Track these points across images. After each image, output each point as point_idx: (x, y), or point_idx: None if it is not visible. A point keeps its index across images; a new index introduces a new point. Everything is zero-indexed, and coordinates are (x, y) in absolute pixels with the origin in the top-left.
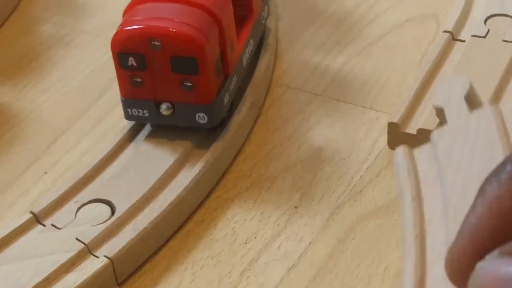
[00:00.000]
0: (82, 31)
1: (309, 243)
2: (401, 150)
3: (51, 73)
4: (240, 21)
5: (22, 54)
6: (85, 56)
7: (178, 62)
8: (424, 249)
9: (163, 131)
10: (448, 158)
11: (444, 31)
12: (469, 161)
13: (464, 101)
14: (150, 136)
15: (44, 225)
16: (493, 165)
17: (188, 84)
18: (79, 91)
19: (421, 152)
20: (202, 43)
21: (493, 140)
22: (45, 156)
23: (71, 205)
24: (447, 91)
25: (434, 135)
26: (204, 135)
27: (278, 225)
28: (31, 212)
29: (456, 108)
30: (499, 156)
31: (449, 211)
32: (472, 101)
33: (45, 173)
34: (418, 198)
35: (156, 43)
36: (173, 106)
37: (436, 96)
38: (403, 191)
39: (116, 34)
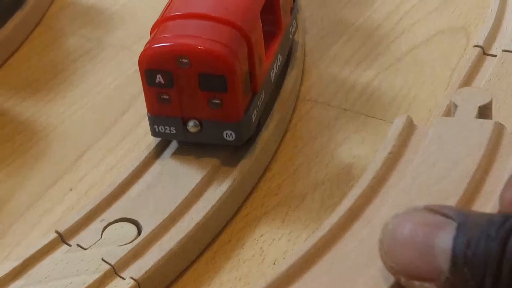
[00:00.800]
0: (108, 44)
1: None
2: (404, 117)
3: (77, 86)
4: (268, 36)
5: (48, 67)
6: (111, 69)
7: (207, 79)
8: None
9: (190, 148)
10: (434, 145)
11: (475, 46)
12: (446, 158)
13: (477, 108)
14: (177, 153)
15: (69, 245)
16: (454, 174)
17: (216, 101)
18: (104, 106)
19: (419, 129)
20: (230, 61)
21: (474, 152)
22: (70, 172)
23: (97, 224)
24: (467, 95)
25: (436, 121)
26: (231, 152)
27: None
28: (57, 232)
29: (466, 110)
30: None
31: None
32: (484, 113)
33: (71, 189)
34: (394, 155)
35: (185, 60)
36: (201, 123)
37: (457, 93)
38: (386, 144)
39: (144, 51)
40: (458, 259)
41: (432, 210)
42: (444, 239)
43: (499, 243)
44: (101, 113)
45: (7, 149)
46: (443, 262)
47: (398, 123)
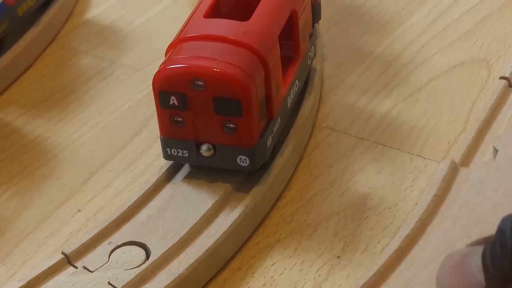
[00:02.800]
0: (122, 65)
1: None
2: (449, 161)
3: (88, 107)
4: (286, 61)
5: (60, 86)
6: (124, 90)
7: (221, 103)
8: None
9: (203, 172)
10: (475, 189)
11: (501, 78)
12: (485, 202)
13: None
14: (189, 177)
15: (76, 267)
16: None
17: (231, 125)
18: (116, 127)
19: (462, 172)
20: (246, 85)
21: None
22: (79, 193)
23: (105, 247)
24: (508, 139)
25: (478, 165)
26: (244, 178)
27: (319, 275)
28: (63, 253)
29: (506, 155)
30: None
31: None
32: None
33: (79, 211)
34: (438, 198)
35: (200, 82)
36: (214, 147)
37: (498, 138)
38: (431, 187)
39: (158, 72)
40: (487, 266)
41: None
42: (477, 258)
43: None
44: (112, 134)
45: (15, 168)
46: (480, 275)
47: (443, 167)
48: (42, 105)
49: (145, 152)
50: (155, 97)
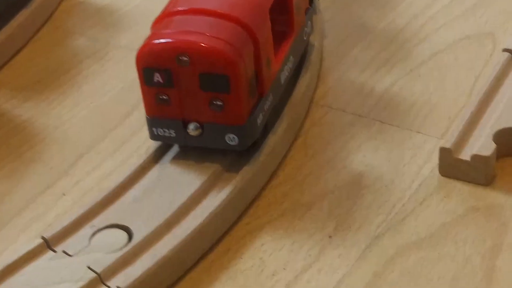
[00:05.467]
0: (116, 46)
1: (342, 276)
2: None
3: (80, 88)
4: (280, 37)
5: (53, 68)
6: (118, 71)
7: (208, 79)
8: None
9: (191, 153)
10: None
11: (504, 50)
12: None
13: None
14: (177, 158)
15: (55, 251)
16: None
17: (218, 103)
18: (107, 109)
19: None
20: (234, 60)
21: None
22: (66, 176)
23: (86, 231)
24: None
25: None
26: (234, 158)
27: (310, 255)
28: (42, 237)
29: None
30: None
31: None
32: None
33: (64, 195)
34: None
35: (184, 58)
36: (202, 126)
37: None
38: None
39: (142, 47)
40: None
41: None
42: None
43: None
44: (103, 116)
45: (2, 152)
46: None
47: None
48: (33, 87)
49: (136, 134)
50: (139, 74)
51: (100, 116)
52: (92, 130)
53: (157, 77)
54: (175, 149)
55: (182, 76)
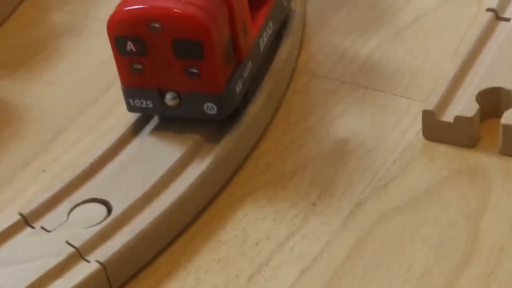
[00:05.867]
0: (95, 20)
1: (326, 244)
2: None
3: (58, 64)
4: (257, 2)
5: (31, 44)
6: (96, 46)
7: (181, 46)
8: None
9: (171, 124)
10: None
11: (487, 10)
12: None
13: None
14: (156, 130)
15: (33, 227)
16: None
17: (194, 71)
18: (86, 84)
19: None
20: (207, 24)
21: None
22: (45, 153)
23: (64, 206)
24: None
25: None
26: (215, 128)
27: (293, 224)
28: (20, 214)
29: None
30: None
31: None
32: None
33: (43, 171)
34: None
35: (156, 25)
36: (179, 96)
37: None
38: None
39: (112, 15)
40: None
41: None
42: None
43: None
44: (82, 91)
45: None
46: None
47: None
48: (11, 65)
49: (115, 108)
50: (111, 43)
51: (78, 92)
52: (70, 106)
53: (130, 46)
54: (154, 121)
55: (155, 44)
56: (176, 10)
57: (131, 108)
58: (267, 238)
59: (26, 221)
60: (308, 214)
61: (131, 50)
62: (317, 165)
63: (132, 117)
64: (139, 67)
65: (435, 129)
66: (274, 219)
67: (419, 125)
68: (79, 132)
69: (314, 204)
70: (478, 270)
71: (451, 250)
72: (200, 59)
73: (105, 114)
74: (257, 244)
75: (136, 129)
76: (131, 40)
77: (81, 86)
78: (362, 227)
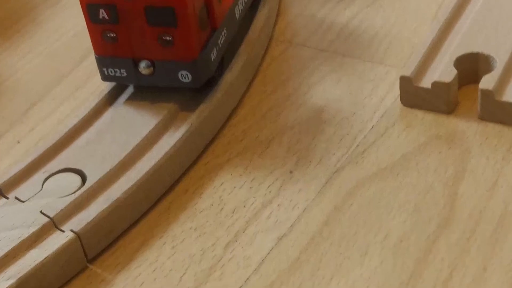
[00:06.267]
0: None
1: (303, 211)
2: None
3: (33, 35)
4: None
5: (6, 15)
6: (72, 16)
7: (154, 13)
8: None
9: (146, 93)
10: None
11: None
12: None
13: None
14: (131, 99)
15: (7, 198)
16: None
17: (167, 38)
18: (61, 54)
19: None
20: None
21: None
22: (20, 124)
23: (39, 176)
24: None
25: None
26: (190, 97)
27: (270, 192)
28: None
29: None
30: None
31: None
32: None
33: (18, 142)
34: None
35: None
36: (153, 64)
37: None
38: None
39: None
40: None
41: None
42: None
43: None
44: (57, 62)
45: None
46: None
47: None
48: None
49: (91, 78)
50: (83, 11)
51: (53, 62)
52: (45, 77)
53: (102, 14)
54: (129, 90)
55: (128, 11)
56: None
57: (105, 77)
58: (244, 206)
59: (0, 191)
60: (285, 181)
61: (103, 18)
62: (294, 133)
63: (106, 86)
64: (112, 35)
65: (413, 95)
66: (251, 187)
67: (397, 92)
68: (54, 102)
69: (291, 172)
70: (457, 235)
71: (428, 216)
72: (173, 26)
73: (80, 85)
74: (233, 212)
75: (110, 98)
76: (103, 8)
77: (56, 56)
78: (339, 194)
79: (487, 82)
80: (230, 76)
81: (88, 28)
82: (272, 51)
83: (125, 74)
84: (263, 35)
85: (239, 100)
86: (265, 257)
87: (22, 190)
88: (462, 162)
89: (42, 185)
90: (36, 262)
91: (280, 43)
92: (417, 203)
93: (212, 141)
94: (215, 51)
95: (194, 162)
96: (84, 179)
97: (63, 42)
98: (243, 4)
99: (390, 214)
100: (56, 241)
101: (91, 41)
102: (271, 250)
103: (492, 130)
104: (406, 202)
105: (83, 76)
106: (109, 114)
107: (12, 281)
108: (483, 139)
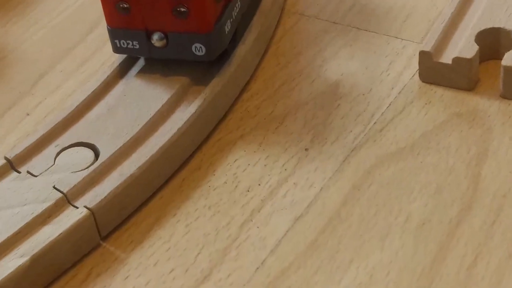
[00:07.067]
0: None
1: (320, 190)
2: None
3: (38, 6)
4: None
5: None
6: None
7: None
8: None
9: (158, 65)
10: None
11: None
12: None
13: None
14: (143, 72)
15: (19, 172)
16: None
17: (182, 9)
18: (67, 26)
19: None
20: None
21: None
22: (28, 96)
23: (51, 150)
24: None
25: None
26: (203, 70)
27: (285, 169)
28: (5, 158)
29: None
30: None
31: None
32: None
33: (27, 114)
34: None
35: None
36: (166, 36)
37: None
38: None
39: None
40: None
41: None
42: None
43: None
44: (64, 33)
45: None
46: None
47: None
48: None
49: (99, 50)
50: None
51: (60, 34)
52: (52, 48)
53: None
54: (140, 62)
55: None
56: None
57: (117, 49)
58: (259, 185)
59: (12, 165)
60: (301, 159)
61: None
62: (309, 109)
63: (117, 59)
64: (125, 6)
65: (432, 71)
66: (265, 165)
67: (414, 67)
68: (62, 75)
69: (306, 149)
70: (481, 219)
71: (451, 198)
72: None
73: (88, 58)
74: (248, 191)
75: (122, 71)
76: None
77: (62, 28)
78: (357, 174)
79: (510, 58)
80: (243, 49)
81: None
82: (284, 23)
83: (137, 46)
84: (276, 6)
85: (252, 74)
86: (282, 238)
87: (34, 164)
88: (484, 142)
89: (55, 159)
90: (50, 239)
91: (292, 15)
92: (439, 185)
93: (224, 116)
94: (229, 24)
95: (207, 138)
96: (97, 153)
97: (69, 13)
98: None
99: (411, 195)
100: (70, 217)
101: (104, 12)
102: (287, 231)
103: None
104: (427, 183)
105: (91, 49)
106: (120, 87)
107: (25, 259)
108: (506, 118)
